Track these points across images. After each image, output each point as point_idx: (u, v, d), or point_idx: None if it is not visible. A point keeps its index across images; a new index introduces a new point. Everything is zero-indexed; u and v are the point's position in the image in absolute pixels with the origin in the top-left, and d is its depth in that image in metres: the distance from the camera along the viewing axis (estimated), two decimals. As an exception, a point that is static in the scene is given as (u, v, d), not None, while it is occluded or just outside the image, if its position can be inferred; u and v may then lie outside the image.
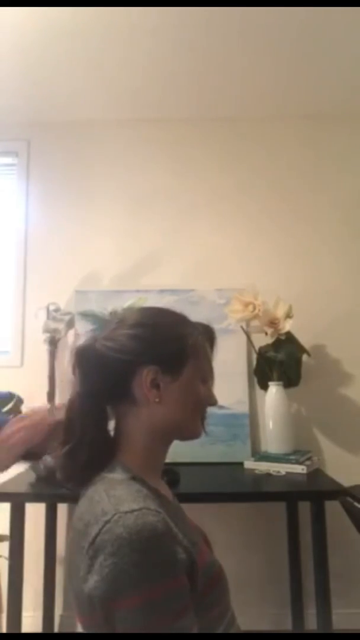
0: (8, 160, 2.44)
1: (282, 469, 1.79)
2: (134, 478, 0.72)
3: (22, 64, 1.98)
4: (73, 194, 2.38)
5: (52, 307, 2.12)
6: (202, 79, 2.10)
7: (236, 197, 2.35)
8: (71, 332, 2.18)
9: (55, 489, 1.65)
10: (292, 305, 1.97)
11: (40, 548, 2.00)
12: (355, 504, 1.43)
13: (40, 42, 1.85)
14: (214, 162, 2.38)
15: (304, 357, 2.10)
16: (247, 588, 2.03)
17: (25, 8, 1.67)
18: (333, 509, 1.53)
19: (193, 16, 1.72)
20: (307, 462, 1.82)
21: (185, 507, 0.84)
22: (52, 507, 2.02)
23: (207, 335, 0.84)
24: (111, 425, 0.80)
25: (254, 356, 2.11)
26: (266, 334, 1.98)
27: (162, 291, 2.24)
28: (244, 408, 2.15)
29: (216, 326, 0.88)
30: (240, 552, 2.08)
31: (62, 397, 1.93)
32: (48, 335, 2.09)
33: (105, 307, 2.11)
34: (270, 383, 2.00)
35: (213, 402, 0.82)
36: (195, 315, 0.83)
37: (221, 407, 2.01)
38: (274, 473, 1.79)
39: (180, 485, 1.58)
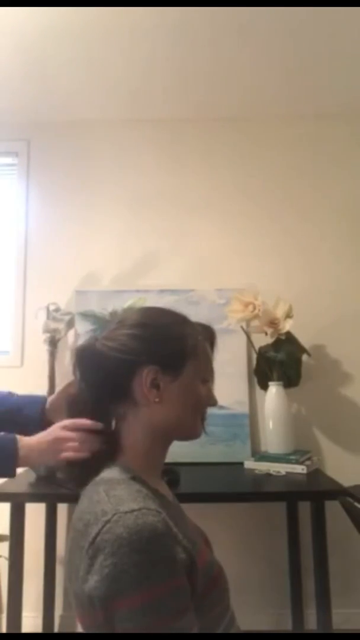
0: (8, 160, 2.44)
1: (282, 469, 1.79)
2: (134, 478, 0.72)
3: (22, 64, 1.98)
4: (73, 194, 2.38)
5: (52, 307, 2.12)
6: (202, 79, 2.10)
7: (236, 197, 2.35)
8: (71, 332, 2.18)
9: (55, 489, 1.66)
10: (292, 305, 1.97)
11: (40, 548, 2.00)
12: (355, 504, 1.43)
13: (40, 42, 1.85)
14: (213, 162, 2.38)
15: (304, 357, 2.10)
16: (247, 588, 2.03)
17: (25, 8, 1.67)
18: (333, 509, 1.53)
19: (193, 16, 1.72)
20: (307, 462, 1.82)
21: (185, 507, 0.85)
22: (52, 507, 2.02)
23: (207, 335, 0.84)
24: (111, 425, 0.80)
25: (254, 356, 2.11)
26: (266, 334, 1.98)
27: (162, 291, 2.24)
28: (244, 408, 2.15)
29: (216, 326, 0.88)
30: (240, 552, 2.08)
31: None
32: (48, 335, 2.09)
33: (105, 307, 2.11)
34: (270, 383, 2.00)
35: (213, 402, 0.82)
36: (195, 315, 0.83)
37: (221, 407, 2.01)
38: (274, 473, 1.79)
39: (180, 485, 1.58)
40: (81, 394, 0.79)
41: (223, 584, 0.74)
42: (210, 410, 0.82)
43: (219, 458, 2.04)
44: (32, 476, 1.75)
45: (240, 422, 2.13)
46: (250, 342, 2.14)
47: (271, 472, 1.80)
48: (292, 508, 2.02)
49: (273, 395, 1.98)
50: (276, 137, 2.38)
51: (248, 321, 2.10)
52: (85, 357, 0.77)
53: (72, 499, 0.76)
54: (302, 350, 2.08)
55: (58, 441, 0.85)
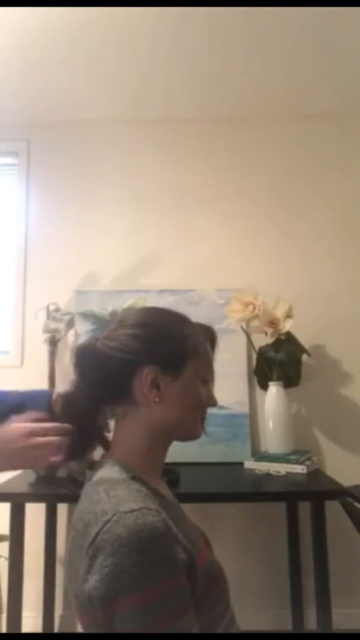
0: (8, 160, 2.44)
1: (282, 469, 1.79)
2: (134, 478, 0.72)
3: (22, 64, 1.98)
4: (73, 194, 2.38)
5: (52, 307, 2.12)
6: (202, 79, 2.10)
7: (236, 197, 2.35)
8: (71, 332, 2.18)
9: (55, 489, 1.66)
10: (292, 305, 1.97)
11: (40, 548, 2.00)
12: (355, 504, 1.43)
13: (40, 42, 1.85)
14: (213, 162, 2.38)
15: (304, 357, 2.10)
16: (247, 588, 2.03)
17: (25, 8, 1.67)
18: (333, 509, 1.53)
19: (193, 16, 1.72)
20: (307, 462, 1.82)
21: (185, 507, 0.85)
22: (52, 507, 2.02)
23: (207, 335, 0.84)
24: (111, 425, 0.80)
25: (254, 356, 2.11)
26: (266, 334, 1.98)
27: (162, 291, 2.24)
28: (244, 408, 2.15)
29: (216, 326, 0.88)
30: (240, 552, 2.08)
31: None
32: (48, 335, 2.09)
33: (105, 307, 2.11)
34: (270, 383, 2.00)
35: (213, 403, 0.82)
36: (195, 315, 0.83)
37: (221, 407, 2.01)
38: (274, 473, 1.79)
39: (180, 485, 1.58)
40: (77, 392, 0.78)
41: (223, 584, 0.74)
42: (210, 410, 0.82)
43: (219, 458, 2.04)
44: (32, 476, 1.76)
45: (240, 422, 2.13)
46: (250, 342, 2.14)
47: (271, 472, 1.79)
48: (292, 508, 2.02)
49: (273, 395, 1.98)
50: (276, 138, 2.38)
51: (248, 321, 2.10)
52: (86, 357, 0.77)
53: (72, 499, 0.76)
54: (302, 350, 2.08)
55: (31, 449, 0.81)
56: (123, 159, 2.39)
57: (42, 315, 2.10)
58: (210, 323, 0.87)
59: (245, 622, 0.83)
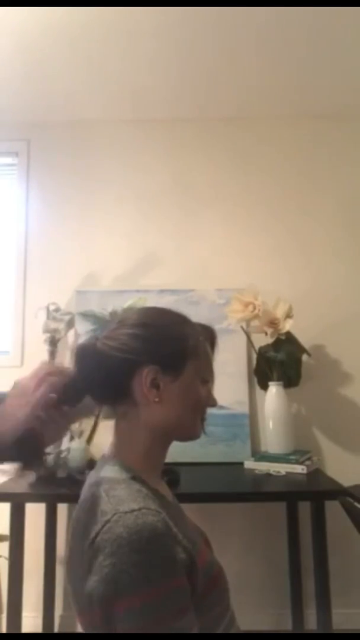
0: (8, 160, 2.44)
1: (282, 469, 1.79)
2: (134, 478, 0.72)
3: (22, 64, 1.98)
4: (73, 193, 2.38)
5: (52, 307, 2.12)
6: (203, 79, 2.10)
7: (238, 197, 2.35)
8: (71, 332, 2.18)
9: (55, 489, 1.66)
10: (294, 305, 1.97)
11: (40, 548, 2.00)
12: (355, 504, 1.43)
13: (40, 42, 1.85)
14: (213, 162, 2.38)
15: (304, 357, 2.10)
16: (247, 588, 2.03)
17: (25, 8, 1.67)
18: (333, 509, 1.53)
19: (193, 16, 1.72)
20: (307, 462, 1.82)
21: (185, 507, 0.85)
22: (52, 507, 2.02)
23: (207, 335, 0.84)
24: (111, 424, 0.80)
25: (254, 356, 2.11)
26: (266, 334, 1.98)
27: (162, 291, 2.24)
28: (244, 408, 2.15)
29: (216, 326, 0.88)
30: (240, 552, 2.08)
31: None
32: (48, 335, 2.09)
33: (105, 307, 2.11)
34: (270, 383, 2.00)
35: (213, 403, 0.82)
36: (195, 315, 0.83)
37: (221, 407, 2.01)
38: (274, 473, 1.79)
39: (180, 485, 1.58)
40: (72, 386, 0.76)
41: (223, 584, 0.74)
42: (210, 410, 0.82)
43: (219, 458, 2.04)
44: (32, 476, 1.76)
45: (240, 422, 2.13)
46: (250, 342, 2.14)
47: (271, 472, 1.79)
48: (292, 508, 2.02)
49: (273, 395, 1.98)
50: (278, 137, 2.38)
51: (248, 321, 2.10)
52: (86, 357, 0.77)
53: (72, 499, 0.76)
54: (302, 350, 2.08)
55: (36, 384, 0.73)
56: (123, 159, 2.39)
57: (42, 315, 2.10)
58: (210, 323, 0.87)
59: (245, 622, 0.83)
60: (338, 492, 1.53)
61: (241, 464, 1.91)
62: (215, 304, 2.22)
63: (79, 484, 0.81)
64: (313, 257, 2.29)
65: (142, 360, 0.75)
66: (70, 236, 2.35)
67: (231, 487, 1.75)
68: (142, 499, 0.66)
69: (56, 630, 2.04)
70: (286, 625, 2.01)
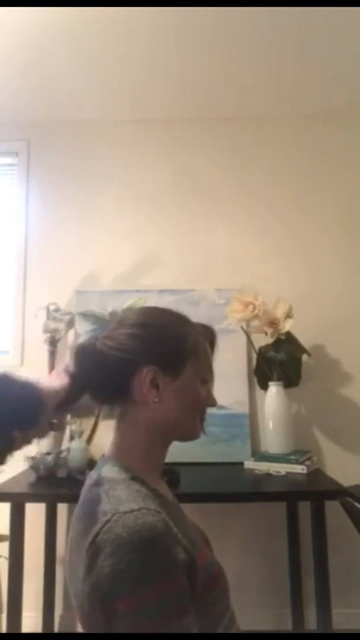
0: (8, 160, 2.44)
1: (282, 469, 1.79)
2: (133, 478, 0.72)
3: (22, 64, 1.98)
4: (73, 194, 2.38)
5: (52, 307, 2.12)
6: (202, 79, 2.10)
7: (236, 197, 2.35)
8: (71, 332, 2.18)
9: (55, 489, 1.66)
10: (292, 305, 1.97)
11: (40, 548, 2.00)
12: (355, 504, 1.43)
13: (40, 42, 1.85)
14: (213, 162, 2.38)
15: (304, 357, 2.10)
16: (247, 588, 2.03)
17: (25, 8, 1.67)
18: (333, 509, 1.53)
19: (193, 16, 1.72)
20: (307, 462, 1.82)
21: (185, 507, 0.84)
22: (52, 507, 2.02)
23: (207, 335, 0.84)
24: (111, 424, 0.80)
25: (254, 356, 2.11)
26: (266, 334, 1.98)
27: (162, 291, 2.24)
28: (244, 408, 2.15)
29: (216, 326, 0.88)
30: (240, 552, 2.08)
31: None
32: (48, 335, 2.09)
33: (105, 307, 2.11)
34: (270, 383, 2.00)
35: (212, 403, 0.82)
36: (195, 315, 0.83)
37: (221, 407, 2.01)
38: (274, 473, 1.79)
39: (180, 485, 1.58)
40: (73, 389, 0.77)
41: (223, 584, 0.74)
42: (210, 410, 0.82)
43: (219, 458, 2.04)
44: (32, 476, 1.76)
45: (240, 422, 2.13)
46: (250, 342, 2.14)
47: (271, 472, 1.79)
48: (292, 508, 2.02)
49: (273, 395, 1.97)
50: (278, 137, 2.38)
51: (248, 321, 2.10)
52: (85, 356, 0.77)
53: (72, 499, 0.76)
54: (302, 350, 2.08)
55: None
56: (123, 159, 2.39)
57: (42, 315, 2.10)
58: (210, 323, 0.87)
59: (245, 622, 0.83)
60: (338, 492, 1.53)
61: (241, 464, 1.91)
62: (215, 304, 2.22)
63: (79, 484, 0.81)
64: (313, 257, 2.29)
65: (142, 360, 0.75)
66: (70, 236, 2.35)
67: (231, 487, 1.75)
68: (142, 499, 0.66)
69: (56, 630, 2.04)
70: (286, 625, 2.01)
